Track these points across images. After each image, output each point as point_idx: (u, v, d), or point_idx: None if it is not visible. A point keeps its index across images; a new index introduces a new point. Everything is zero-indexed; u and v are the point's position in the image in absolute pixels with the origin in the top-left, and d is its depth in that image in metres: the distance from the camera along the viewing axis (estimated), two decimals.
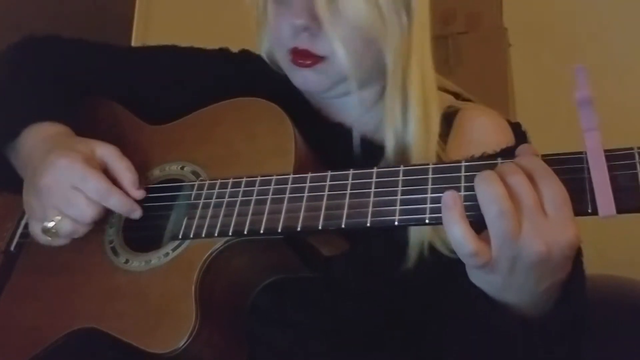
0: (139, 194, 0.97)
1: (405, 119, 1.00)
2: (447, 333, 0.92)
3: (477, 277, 0.80)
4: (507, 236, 0.72)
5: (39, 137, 1.00)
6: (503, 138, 1.03)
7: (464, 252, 0.74)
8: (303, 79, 1.03)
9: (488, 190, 0.73)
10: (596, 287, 1.20)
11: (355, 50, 0.98)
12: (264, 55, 1.14)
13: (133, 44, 2.59)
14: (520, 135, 1.05)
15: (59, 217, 0.93)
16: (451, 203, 0.74)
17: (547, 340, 0.83)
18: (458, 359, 0.92)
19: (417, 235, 0.96)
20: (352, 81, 1.00)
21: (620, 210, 0.70)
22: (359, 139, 1.06)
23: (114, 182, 0.96)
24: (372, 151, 1.03)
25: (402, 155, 0.99)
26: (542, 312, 0.82)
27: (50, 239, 0.95)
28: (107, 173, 0.96)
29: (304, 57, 1.00)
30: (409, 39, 1.01)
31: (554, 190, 0.72)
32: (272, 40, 1.07)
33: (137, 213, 0.97)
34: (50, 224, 0.93)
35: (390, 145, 1.00)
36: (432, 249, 0.96)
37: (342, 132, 1.07)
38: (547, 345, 0.84)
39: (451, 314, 0.90)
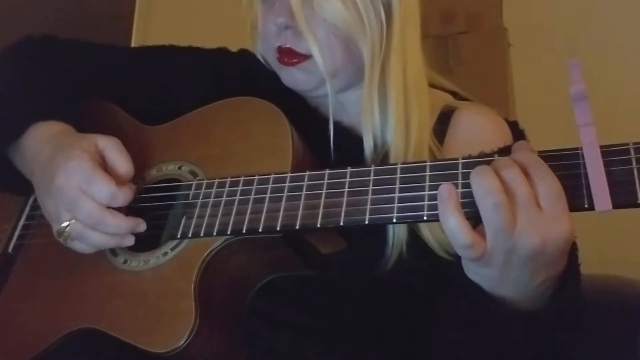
0: (129, 191, 0.94)
1: (384, 118, 1.01)
2: (444, 328, 0.92)
3: (473, 271, 0.81)
4: (501, 229, 0.73)
5: (43, 137, 1.00)
6: (501, 137, 1.03)
7: (459, 244, 0.74)
8: (291, 77, 1.04)
9: (483, 184, 0.73)
10: (596, 287, 1.20)
11: (331, 48, 0.99)
12: (258, 55, 1.15)
13: (133, 44, 2.58)
14: (518, 134, 1.05)
15: (72, 220, 0.92)
16: (446, 195, 0.74)
17: (542, 333, 0.83)
18: (455, 353, 0.92)
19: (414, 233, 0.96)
20: (330, 80, 1.00)
21: (616, 205, 0.71)
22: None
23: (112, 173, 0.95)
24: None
25: (381, 155, 1.00)
26: (538, 306, 0.82)
27: (62, 240, 0.94)
28: (105, 165, 0.95)
29: (288, 56, 1.01)
30: (388, 38, 1.00)
31: (548, 184, 0.73)
32: (261, 42, 1.08)
33: (141, 227, 0.95)
34: (63, 226, 0.92)
35: (368, 144, 1.01)
36: (428, 248, 0.96)
37: (338, 130, 1.07)
38: (542, 338, 0.84)
39: (448, 309, 0.90)
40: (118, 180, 0.94)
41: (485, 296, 0.81)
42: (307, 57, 1.01)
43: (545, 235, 0.73)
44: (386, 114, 1.00)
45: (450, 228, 0.74)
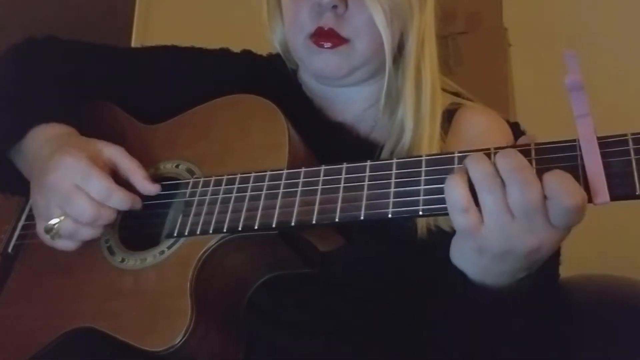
0: (154, 188, 0.97)
1: (418, 101, 1.02)
2: (432, 319, 0.92)
3: (466, 257, 0.81)
4: (495, 209, 0.73)
5: (44, 138, 1.00)
6: (502, 137, 1.04)
7: (457, 207, 0.74)
8: (324, 62, 1.03)
9: (478, 166, 0.74)
10: (596, 287, 1.20)
11: (384, 25, 0.99)
12: (277, 46, 1.14)
13: (133, 44, 2.59)
14: (519, 135, 1.05)
15: (62, 217, 0.92)
16: (457, 172, 0.75)
17: (519, 312, 0.84)
18: (444, 344, 0.91)
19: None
20: (389, 55, 1.01)
21: (614, 197, 0.70)
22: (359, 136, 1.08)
23: (123, 181, 0.96)
24: (370, 150, 1.04)
25: (415, 137, 1.01)
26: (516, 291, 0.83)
27: (50, 238, 0.94)
28: (115, 173, 0.96)
29: (327, 38, 1.01)
30: (424, 24, 1.03)
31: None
32: (289, 28, 1.07)
33: (138, 205, 0.96)
34: (52, 222, 0.93)
35: (408, 126, 1.01)
36: (428, 245, 0.96)
37: (342, 132, 1.08)
38: (519, 320, 0.85)
39: (434, 301, 0.90)
40: (135, 184, 0.96)
41: (467, 282, 0.82)
42: (345, 41, 1.01)
43: (544, 237, 0.74)
44: (419, 97, 1.02)
45: (451, 195, 0.74)
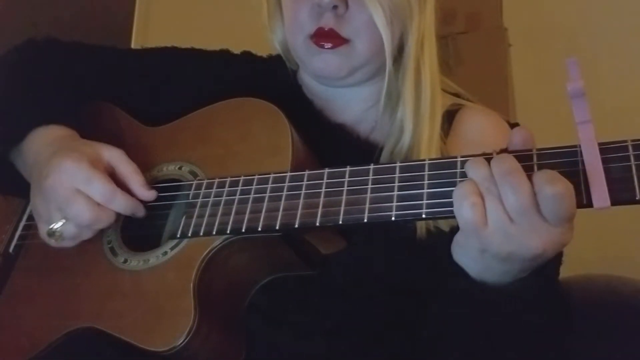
0: (151, 194, 0.97)
1: (417, 101, 1.02)
2: (433, 319, 0.92)
3: (469, 252, 0.81)
4: (494, 211, 0.74)
5: (45, 140, 1.00)
6: (502, 138, 1.03)
7: (465, 201, 0.75)
8: (324, 62, 1.03)
9: (476, 170, 0.76)
10: (596, 287, 1.20)
11: (385, 25, 0.99)
12: (277, 47, 1.14)
13: (133, 44, 2.59)
14: None
15: (64, 220, 0.93)
16: None
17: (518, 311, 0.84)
18: (441, 340, 0.92)
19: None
20: (375, 59, 1.02)
21: (614, 201, 0.71)
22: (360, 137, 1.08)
23: (121, 185, 0.96)
24: (370, 151, 1.04)
25: (415, 137, 1.02)
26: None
27: (55, 241, 0.94)
28: (113, 176, 0.96)
29: (328, 38, 1.01)
30: (424, 24, 1.03)
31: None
32: (289, 28, 1.07)
33: (141, 212, 0.97)
34: (55, 227, 0.93)
35: (408, 126, 1.02)
36: (428, 245, 0.96)
37: (343, 133, 1.08)
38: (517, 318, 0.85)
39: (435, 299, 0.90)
40: (133, 190, 0.96)
41: (468, 281, 0.83)
42: (346, 41, 1.01)
43: (547, 240, 0.74)
44: (419, 97, 1.03)
45: (461, 186, 0.75)
